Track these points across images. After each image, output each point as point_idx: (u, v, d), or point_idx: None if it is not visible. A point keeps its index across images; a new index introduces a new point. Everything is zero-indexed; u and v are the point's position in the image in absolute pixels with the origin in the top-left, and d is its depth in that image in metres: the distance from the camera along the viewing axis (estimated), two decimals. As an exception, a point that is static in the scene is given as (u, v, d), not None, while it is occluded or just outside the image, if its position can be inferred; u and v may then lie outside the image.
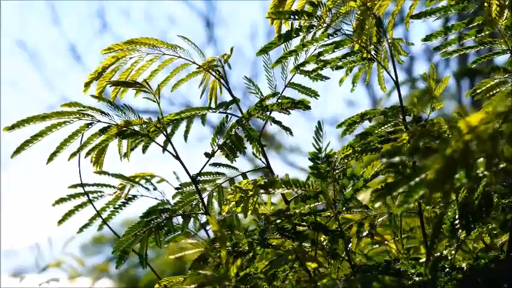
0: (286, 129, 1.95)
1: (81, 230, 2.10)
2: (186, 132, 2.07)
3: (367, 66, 1.89)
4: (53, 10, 17.94)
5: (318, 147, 1.71)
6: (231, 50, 2.03)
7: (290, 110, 1.94)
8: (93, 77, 1.93)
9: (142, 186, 2.11)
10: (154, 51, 1.96)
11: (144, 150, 2.00)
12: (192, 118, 2.05)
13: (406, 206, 1.12)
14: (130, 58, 1.95)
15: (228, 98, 2.04)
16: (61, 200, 2.04)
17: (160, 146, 1.95)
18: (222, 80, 2.04)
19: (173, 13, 22.28)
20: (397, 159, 1.27)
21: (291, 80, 1.97)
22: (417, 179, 1.13)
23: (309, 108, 1.92)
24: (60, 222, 2.05)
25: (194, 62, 2.01)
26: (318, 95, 1.99)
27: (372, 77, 1.94)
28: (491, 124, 1.12)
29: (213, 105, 2.08)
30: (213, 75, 2.04)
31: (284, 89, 1.98)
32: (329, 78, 1.93)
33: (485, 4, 1.69)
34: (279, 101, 1.95)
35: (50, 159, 1.84)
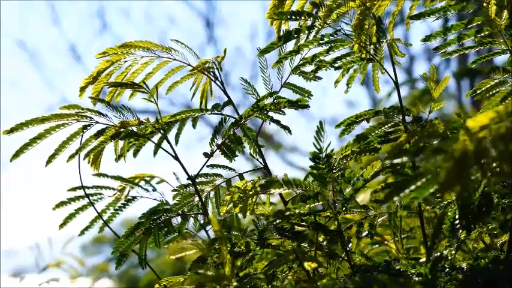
0: (285, 128, 1.95)
1: (82, 232, 2.09)
2: (177, 135, 2.05)
3: (364, 66, 1.89)
4: (53, 10, 17.85)
5: (318, 147, 1.71)
6: (225, 51, 2.02)
7: (287, 110, 1.94)
8: (88, 81, 1.92)
9: (142, 187, 2.10)
10: (149, 54, 1.95)
11: (135, 154, 1.98)
12: (185, 120, 2.04)
13: (413, 205, 1.11)
14: (125, 62, 1.94)
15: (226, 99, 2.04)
16: (61, 204, 2.04)
17: (159, 146, 1.95)
18: (217, 81, 2.04)
19: (173, 13, 22.26)
20: (399, 160, 1.26)
21: (286, 80, 1.97)
22: (424, 180, 1.13)
23: (306, 107, 1.92)
24: (61, 226, 2.04)
25: (189, 64, 2.00)
26: (312, 95, 1.99)
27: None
28: (503, 123, 1.10)
29: (203, 106, 2.08)
30: (208, 76, 2.04)
31: (280, 89, 1.98)
32: (322, 78, 1.93)
33: (484, 4, 1.69)
34: (275, 101, 1.94)
35: (49, 161, 1.84)
